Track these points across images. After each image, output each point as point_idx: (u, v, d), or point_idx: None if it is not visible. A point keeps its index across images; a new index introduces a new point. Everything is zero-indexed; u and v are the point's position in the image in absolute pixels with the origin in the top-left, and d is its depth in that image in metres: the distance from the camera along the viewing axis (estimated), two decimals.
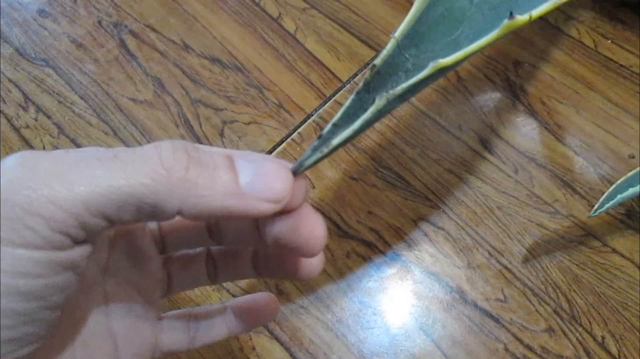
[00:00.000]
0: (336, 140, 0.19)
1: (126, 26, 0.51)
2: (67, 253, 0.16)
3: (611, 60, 0.51)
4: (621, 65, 0.50)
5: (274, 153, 0.45)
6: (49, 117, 0.47)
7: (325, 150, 0.19)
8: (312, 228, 0.20)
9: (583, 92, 0.49)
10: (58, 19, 0.52)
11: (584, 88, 0.49)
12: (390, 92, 0.18)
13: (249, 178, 0.18)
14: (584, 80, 0.49)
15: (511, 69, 0.50)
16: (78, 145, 0.46)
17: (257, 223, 0.22)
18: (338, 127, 0.19)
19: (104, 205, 0.16)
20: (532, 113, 0.48)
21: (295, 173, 0.20)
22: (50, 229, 0.16)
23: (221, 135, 0.46)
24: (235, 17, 0.52)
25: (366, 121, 0.19)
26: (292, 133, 0.46)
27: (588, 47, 0.51)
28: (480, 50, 0.18)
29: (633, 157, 0.46)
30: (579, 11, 0.53)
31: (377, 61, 0.19)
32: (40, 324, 0.17)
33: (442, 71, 0.18)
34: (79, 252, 0.17)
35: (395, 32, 0.19)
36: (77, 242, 0.17)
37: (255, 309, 0.27)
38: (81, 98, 0.48)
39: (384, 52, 0.19)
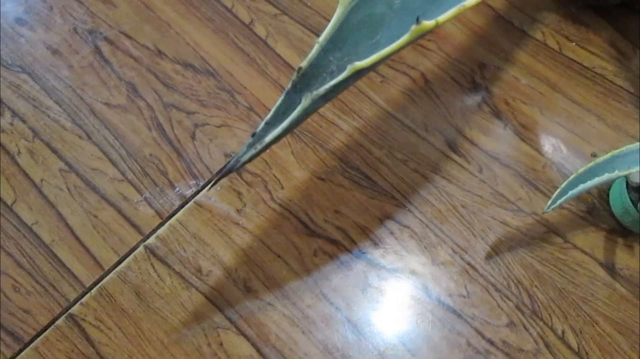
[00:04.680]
0: (269, 138, 0.20)
1: (101, 33, 0.53)
2: None
3: (575, 61, 0.52)
4: (585, 67, 0.51)
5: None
6: (24, 122, 0.48)
7: (259, 146, 0.20)
8: None
9: (547, 93, 0.50)
10: (34, 26, 0.53)
11: (548, 89, 0.50)
12: (314, 92, 0.19)
13: None
14: (548, 82, 0.51)
15: (477, 71, 0.51)
16: (53, 149, 0.47)
17: None
18: (270, 125, 0.20)
19: None
20: (497, 113, 0.49)
21: (232, 169, 0.21)
22: None
23: (193, 137, 0.47)
24: (208, 23, 0.53)
25: (294, 119, 0.20)
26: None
27: (552, 49, 0.52)
28: (395, 53, 0.19)
29: (595, 156, 0.47)
30: (543, 14, 0.54)
31: (303, 64, 0.20)
32: None
33: (359, 72, 0.19)
34: None
35: (319, 36, 0.20)
36: None
37: None
38: (56, 103, 0.49)
39: (309, 56, 0.20)
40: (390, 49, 0.19)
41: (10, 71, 0.51)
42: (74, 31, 0.53)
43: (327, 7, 0.54)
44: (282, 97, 0.20)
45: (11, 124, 0.48)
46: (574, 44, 0.52)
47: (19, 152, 0.47)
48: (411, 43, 0.19)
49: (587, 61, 0.52)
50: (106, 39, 0.52)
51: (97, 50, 0.52)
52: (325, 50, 0.20)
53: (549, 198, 0.45)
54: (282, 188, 0.45)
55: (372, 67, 0.19)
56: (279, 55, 0.51)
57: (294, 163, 0.46)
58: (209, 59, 0.51)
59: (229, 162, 0.25)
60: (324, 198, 0.45)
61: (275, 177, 0.46)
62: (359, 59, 0.19)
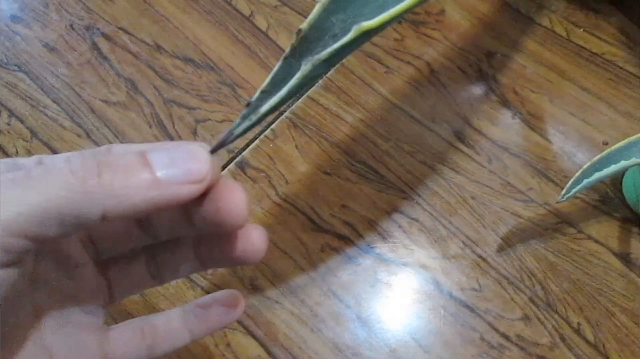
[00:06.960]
0: (264, 107, 0.19)
1: (98, 29, 0.51)
2: None
3: (584, 48, 0.51)
4: (594, 53, 0.50)
5: (246, 150, 0.45)
6: (22, 121, 0.47)
7: (254, 117, 0.19)
8: (230, 196, 0.20)
9: (556, 81, 0.49)
10: (30, 23, 0.52)
11: (557, 77, 0.49)
12: (316, 57, 0.18)
13: (164, 166, 0.18)
14: (556, 69, 0.49)
15: (483, 60, 0.50)
16: (52, 148, 0.46)
17: (187, 209, 0.22)
18: (267, 93, 0.19)
19: (23, 224, 0.16)
20: (505, 103, 0.48)
21: (225, 142, 0.20)
22: None
23: (194, 134, 0.46)
24: (207, 16, 0.52)
25: (294, 87, 0.18)
26: (266, 130, 0.46)
27: (560, 35, 0.51)
28: (405, 12, 0.18)
29: (607, 144, 0.46)
30: (550, 0, 0.53)
31: (304, 26, 0.19)
32: None
33: (366, 34, 0.18)
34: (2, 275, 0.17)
35: None
36: None
37: (217, 309, 0.26)
38: (54, 101, 0.48)
39: (310, 17, 0.19)
40: (402, 6, 0.18)
41: (6, 70, 0.50)
42: (71, 27, 0.52)
43: None
44: (279, 63, 0.19)
45: (8, 124, 0.47)
46: (582, 30, 0.51)
47: (17, 153, 0.46)
48: (422, 3, 0.18)
49: (596, 48, 0.50)
50: (104, 34, 0.51)
51: (95, 47, 0.50)
52: (327, 11, 0.19)
53: (561, 188, 0.44)
54: (287, 183, 0.44)
55: (380, 29, 0.18)
56: (280, 48, 0.50)
57: (298, 157, 0.45)
58: (209, 53, 0.50)
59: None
60: (330, 193, 0.44)
61: (279, 172, 0.45)
62: (366, 20, 0.18)
